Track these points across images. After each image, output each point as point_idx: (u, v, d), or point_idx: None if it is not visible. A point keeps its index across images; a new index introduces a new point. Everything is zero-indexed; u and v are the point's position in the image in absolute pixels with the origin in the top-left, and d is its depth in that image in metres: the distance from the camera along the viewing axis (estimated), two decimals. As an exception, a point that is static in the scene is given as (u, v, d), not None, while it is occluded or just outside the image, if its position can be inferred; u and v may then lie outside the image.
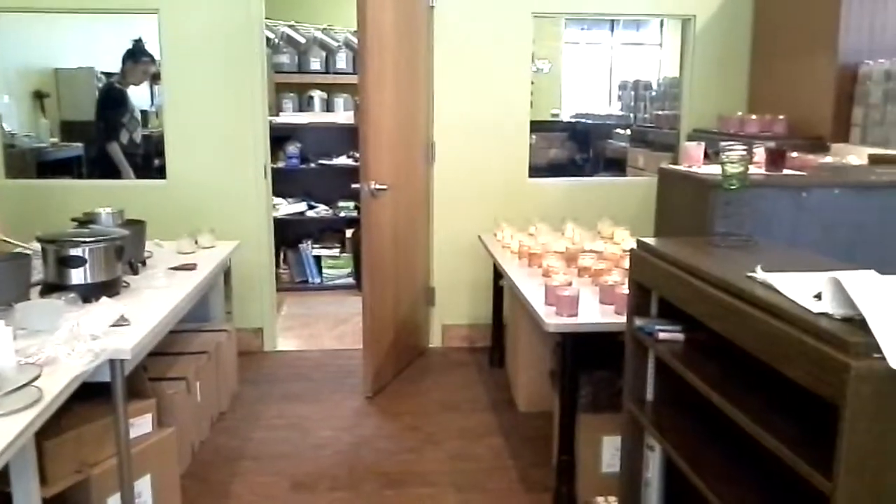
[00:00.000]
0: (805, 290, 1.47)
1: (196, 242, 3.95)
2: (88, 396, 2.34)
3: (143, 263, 3.42)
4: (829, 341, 1.28)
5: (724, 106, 4.78)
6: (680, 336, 2.03)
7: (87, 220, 3.34)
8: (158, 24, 4.45)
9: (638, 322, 2.15)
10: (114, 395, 2.38)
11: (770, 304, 1.49)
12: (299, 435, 3.61)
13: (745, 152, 2.05)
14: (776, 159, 2.53)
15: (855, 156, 3.54)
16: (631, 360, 2.24)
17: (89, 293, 2.70)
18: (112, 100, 5.70)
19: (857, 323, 1.30)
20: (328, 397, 4.06)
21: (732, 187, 2.01)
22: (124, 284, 3.01)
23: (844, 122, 4.01)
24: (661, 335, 2.04)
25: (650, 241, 2.15)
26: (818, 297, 1.40)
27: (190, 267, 3.49)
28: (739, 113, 4.63)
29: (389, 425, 3.74)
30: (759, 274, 1.65)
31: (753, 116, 4.43)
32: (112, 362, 2.34)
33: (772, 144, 2.72)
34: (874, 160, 3.15)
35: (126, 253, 3.00)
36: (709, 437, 1.96)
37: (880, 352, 1.21)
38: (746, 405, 1.63)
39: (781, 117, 4.31)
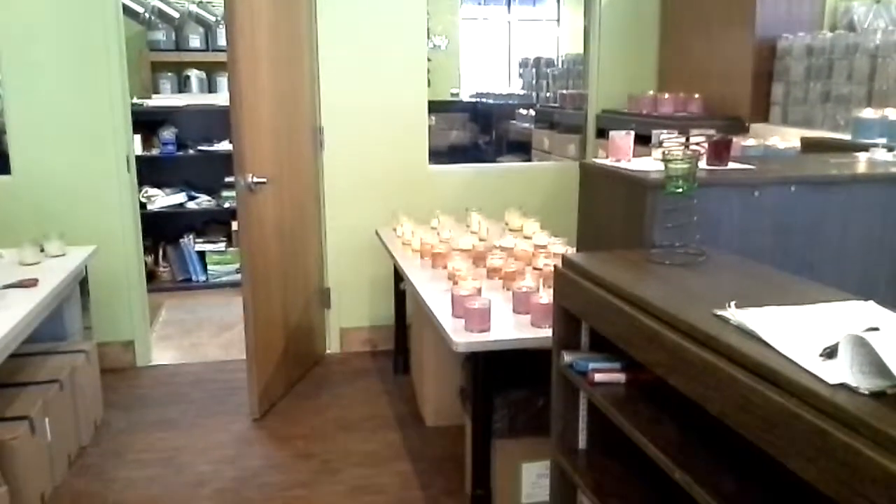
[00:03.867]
0: (801, 338, 1.09)
1: (42, 250, 3.39)
2: None
3: (-28, 281, 2.90)
4: (866, 435, 0.88)
5: (634, 84, 4.49)
6: (620, 376, 1.64)
7: None
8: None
9: (567, 358, 1.75)
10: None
11: (759, 365, 1.08)
12: (172, 472, 3.11)
13: (688, 146, 1.67)
14: (721, 151, 2.16)
15: (778, 137, 3.27)
16: (559, 402, 1.83)
17: None
18: None
19: (894, 400, 0.92)
20: (209, 421, 3.55)
21: (679, 190, 1.63)
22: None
23: (763, 100, 3.75)
24: (597, 376, 1.64)
25: (578, 258, 1.74)
26: (828, 353, 1.02)
27: (29, 283, 2.94)
28: (651, 92, 4.34)
29: (279, 453, 3.28)
30: (733, 313, 1.25)
31: (666, 95, 4.14)
32: None
33: (713, 132, 2.36)
34: (808, 144, 2.86)
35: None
36: (656, 495, 1.59)
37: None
38: (711, 476, 1.26)
39: (697, 96, 4.03)
